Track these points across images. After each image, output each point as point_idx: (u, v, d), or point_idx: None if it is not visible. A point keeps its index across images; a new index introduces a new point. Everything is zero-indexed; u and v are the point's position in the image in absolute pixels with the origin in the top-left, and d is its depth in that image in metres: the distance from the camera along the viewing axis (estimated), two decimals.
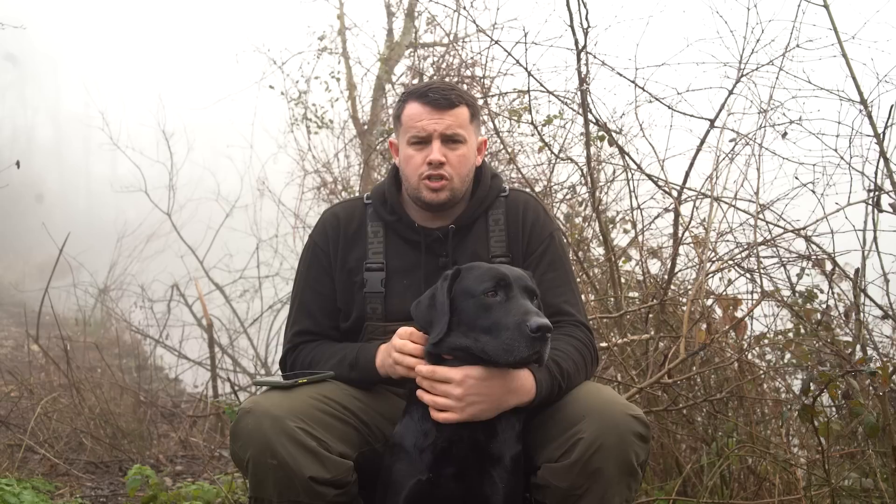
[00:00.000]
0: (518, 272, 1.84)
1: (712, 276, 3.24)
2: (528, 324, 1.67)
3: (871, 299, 3.11)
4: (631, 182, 3.57)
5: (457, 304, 1.81)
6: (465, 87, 4.27)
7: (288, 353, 2.14)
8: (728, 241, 3.39)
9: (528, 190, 2.99)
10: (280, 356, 2.19)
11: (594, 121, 3.39)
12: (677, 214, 3.27)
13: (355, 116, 6.23)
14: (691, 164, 3.30)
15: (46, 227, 5.56)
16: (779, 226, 3.29)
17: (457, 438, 1.80)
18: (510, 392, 1.78)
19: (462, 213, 2.13)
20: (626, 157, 3.51)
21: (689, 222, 3.36)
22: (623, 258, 3.75)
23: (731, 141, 3.35)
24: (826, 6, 3.11)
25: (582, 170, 3.71)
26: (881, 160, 3.05)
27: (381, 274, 2.09)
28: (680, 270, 3.53)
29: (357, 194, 5.21)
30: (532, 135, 4.18)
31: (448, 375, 1.77)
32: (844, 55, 3.10)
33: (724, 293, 3.31)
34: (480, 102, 3.80)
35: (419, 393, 1.82)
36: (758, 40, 3.25)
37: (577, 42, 3.25)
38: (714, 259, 3.27)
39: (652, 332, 3.19)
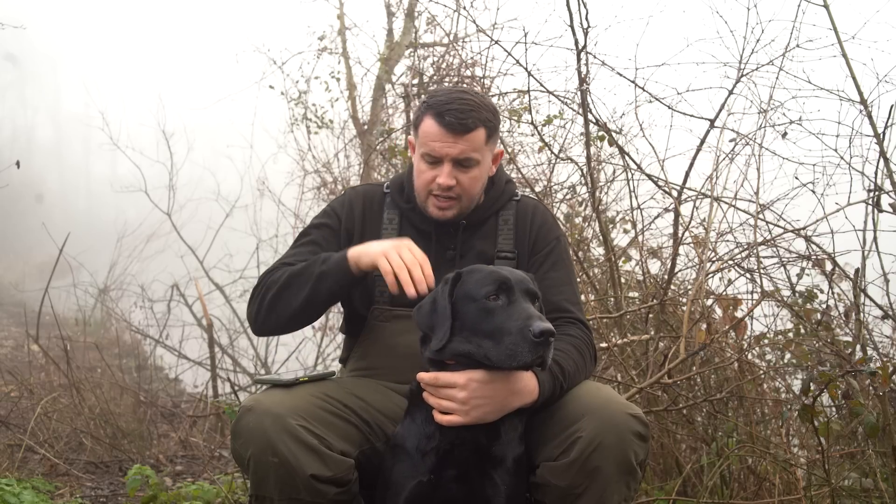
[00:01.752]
0: (520, 275, 1.82)
1: (712, 276, 3.25)
2: (531, 328, 1.67)
3: (871, 299, 3.11)
4: (631, 182, 3.58)
5: (458, 309, 1.79)
6: (465, 86, 4.27)
7: (265, 274, 2.11)
8: (728, 241, 3.40)
9: (528, 191, 2.99)
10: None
11: (594, 121, 3.39)
12: (677, 214, 3.27)
13: (355, 116, 6.23)
14: (691, 164, 3.30)
15: (46, 227, 5.56)
16: (779, 226, 3.29)
17: (459, 441, 1.79)
18: (513, 394, 1.79)
19: (474, 210, 2.16)
20: (626, 157, 3.52)
21: (689, 222, 3.36)
22: (623, 258, 3.76)
23: (731, 141, 3.36)
24: (826, 6, 3.11)
25: (582, 170, 3.71)
26: (881, 160, 3.05)
27: None
28: (680, 270, 3.53)
29: None
30: (532, 135, 4.18)
31: (451, 380, 1.77)
32: (844, 55, 3.10)
33: (724, 293, 3.31)
34: None
35: (425, 395, 1.82)
36: (758, 40, 3.26)
37: (577, 42, 3.25)
38: (714, 259, 3.27)
39: (652, 332, 3.19)
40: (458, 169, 2.05)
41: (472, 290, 1.78)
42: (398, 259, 1.91)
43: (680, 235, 3.29)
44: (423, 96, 2.21)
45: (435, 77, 4.92)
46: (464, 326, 1.78)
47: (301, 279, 2.02)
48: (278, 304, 2.04)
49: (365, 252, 1.97)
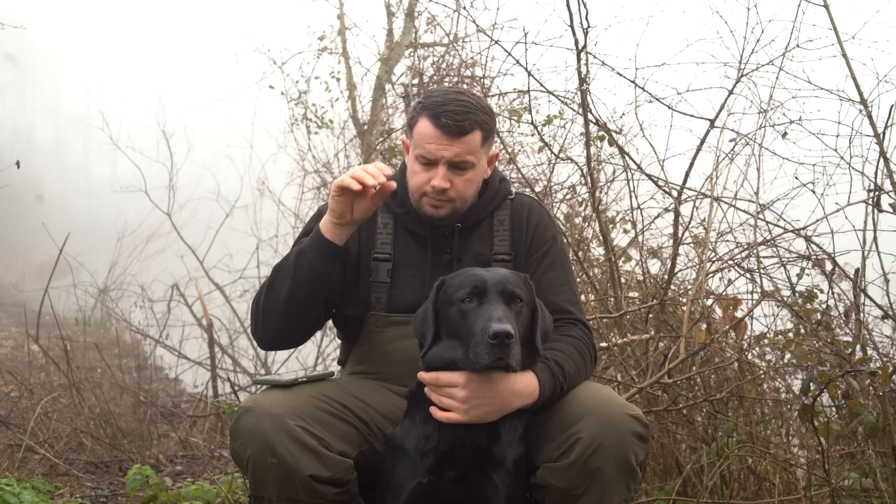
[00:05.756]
0: (500, 276, 1.80)
1: (712, 276, 3.25)
2: (487, 330, 1.67)
3: (871, 299, 3.11)
4: (631, 182, 3.58)
5: (442, 314, 1.82)
6: (464, 86, 4.26)
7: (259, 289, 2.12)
8: (728, 241, 3.40)
9: (528, 191, 2.99)
10: None
11: (594, 121, 3.39)
12: (677, 214, 3.27)
13: (355, 116, 6.23)
14: (691, 164, 3.30)
15: (46, 227, 5.56)
16: (779, 226, 3.29)
17: (458, 442, 1.79)
18: (514, 394, 1.79)
19: (468, 212, 2.14)
20: (626, 157, 3.52)
21: (689, 222, 3.36)
22: (623, 258, 3.75)
23: (731, 141, 3.35)
24: (826, 6, 3.11)
25: (582, 170, 3.71)
26: (881, 160, 3.05)
27: (387, 265, 2.11)
28: (680, 270, 3.53)
29: None
30: (532, 135, 4.18)
31: (451, 380, 1.78)
32: (844, 55, 3.10)
33: (724, 293, 3.31)
34: None
35: (427, 390, 1.83)
36: (758, 40, 3.26)
37: (577, 42, 3.25)
38: (714, 259, 3.27)
39: (652, 332, 3.19)
40: (452, 171, 2.02)
41: (451, 294, 1.80)
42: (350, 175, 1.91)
43: (680, 235, 3.29)
44: (418, 96, 2.19)
45: (435, 77, 4.93)
46: (449, 331, 1.80)
47: (283, 268, 2.01)
48: (269, 303, 2.02)
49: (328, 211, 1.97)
